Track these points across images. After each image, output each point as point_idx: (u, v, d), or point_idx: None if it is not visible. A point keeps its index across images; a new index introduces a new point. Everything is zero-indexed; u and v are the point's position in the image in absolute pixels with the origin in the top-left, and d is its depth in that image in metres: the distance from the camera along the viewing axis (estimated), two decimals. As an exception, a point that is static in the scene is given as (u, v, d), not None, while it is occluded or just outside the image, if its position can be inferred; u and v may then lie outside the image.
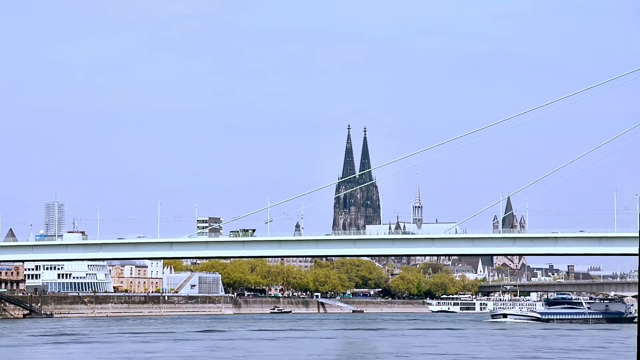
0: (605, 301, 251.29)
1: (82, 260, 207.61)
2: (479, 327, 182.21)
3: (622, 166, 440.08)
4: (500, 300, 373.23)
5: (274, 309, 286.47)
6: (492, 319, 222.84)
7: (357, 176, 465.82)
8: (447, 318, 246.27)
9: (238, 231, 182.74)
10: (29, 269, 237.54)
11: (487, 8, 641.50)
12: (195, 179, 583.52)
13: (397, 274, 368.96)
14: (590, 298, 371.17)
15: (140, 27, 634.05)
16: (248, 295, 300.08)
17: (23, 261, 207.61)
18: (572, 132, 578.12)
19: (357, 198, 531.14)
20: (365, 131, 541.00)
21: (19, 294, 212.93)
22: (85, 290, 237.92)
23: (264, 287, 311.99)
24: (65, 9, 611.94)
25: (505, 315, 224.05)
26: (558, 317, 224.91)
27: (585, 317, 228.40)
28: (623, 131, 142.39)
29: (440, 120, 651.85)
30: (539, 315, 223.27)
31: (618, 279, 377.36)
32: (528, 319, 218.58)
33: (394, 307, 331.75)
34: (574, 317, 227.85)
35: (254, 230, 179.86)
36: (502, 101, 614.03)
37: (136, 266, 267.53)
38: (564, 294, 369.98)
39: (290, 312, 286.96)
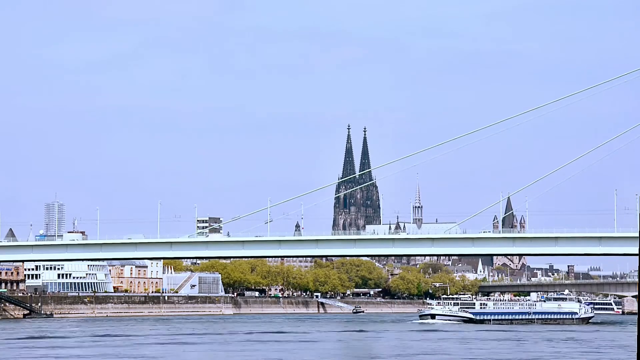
0: (558, 300, 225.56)
1: (82, 260, 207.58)
2: (397, 328, 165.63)
3: (622, 166, 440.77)
4: (500, 300, 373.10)
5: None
6: (420, 319, 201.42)
7: (357, 176, 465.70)
8: (379, 318, 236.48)
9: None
10: (29, 269, 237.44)
11: (488, 8, 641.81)
12: (195, 179, 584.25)
13: (397, 274, 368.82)
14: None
15: (140, 27, 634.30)
16: (248, 295, 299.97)
17: (23, 261, 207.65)
18: (572, 132, 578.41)
19: (357, 198, 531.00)
20: (365, 131, 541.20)
21: (19, 294, 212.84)
22: (85, 290, 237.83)
23: (264, 287, 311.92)
24: (65, 9, 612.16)
25: (433, 316, 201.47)
26: (495, 317, 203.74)
27: (530, 317, 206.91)
28: (623, 131, 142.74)
29: (440, 120, 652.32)
30: (471, 316, 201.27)
31: (618, 279, 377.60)
32: (459, 320, 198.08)
33: (393, 307, 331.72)
34: (515, 317, 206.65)
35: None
36: (502, 101, 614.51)
37: (136, 266, 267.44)
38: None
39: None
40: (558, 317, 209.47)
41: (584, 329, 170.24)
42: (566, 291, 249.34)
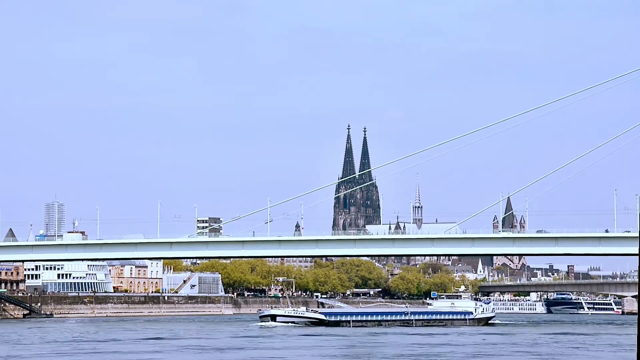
0: (450, 298, 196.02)
1: (82, 260, 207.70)
2: (230, 330, 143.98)
3: (622, 166, 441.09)
4: (500, 300, 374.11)
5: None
6: (261, 320, 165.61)
7: (357, 176, 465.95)
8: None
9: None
10: (29, 269, 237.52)
11: (488, 7, 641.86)
12: (195, 179, 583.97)
13: (397, 274, 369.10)
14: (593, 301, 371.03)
15: (140, 27, 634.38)
16: (248, 295, 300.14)
17: (23, 261, 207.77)
18: (572, 132, 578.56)
19: (357, 198, 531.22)
20: (365, 131, 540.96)
21: (19, 294, 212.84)
22: (85, 290, 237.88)
23: (263, 287, 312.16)
24: (63, 9, 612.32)
25: (273, 318, 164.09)
26: (355, 318, 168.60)
27: (406, 318, 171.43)
28: (623, 131, 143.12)
29: (440, 120, 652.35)
30: (322, 317, 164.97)
31: (618, 279, 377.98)
32: (306, 321, 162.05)
33: (393, 307, 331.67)
34: (385, 317, 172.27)
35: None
36: (502, 101, 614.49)
37: (136, 266, 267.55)
38: (564, 294, 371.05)
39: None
40: (446, 317, 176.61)
41: (460, 331, 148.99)
42: (462, 287, 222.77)
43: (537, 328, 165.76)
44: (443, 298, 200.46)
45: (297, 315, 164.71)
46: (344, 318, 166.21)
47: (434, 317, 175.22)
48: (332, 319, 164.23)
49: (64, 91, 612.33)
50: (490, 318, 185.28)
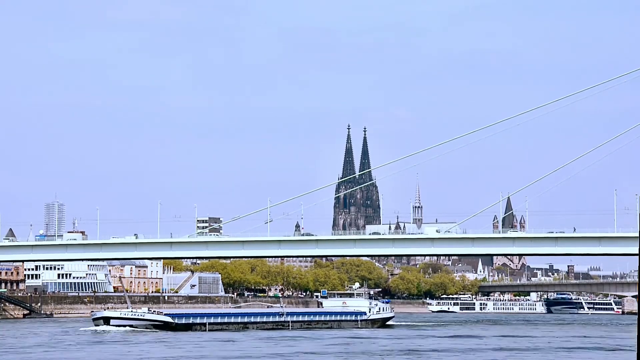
0: (342, 297, 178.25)
1: (82, 260, 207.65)
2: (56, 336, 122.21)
3: (622, 166, 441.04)
4: (500, 300, 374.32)
5: None
6: (94, 323, 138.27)
7: (357, 176, 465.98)
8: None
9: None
10: (29, 269, 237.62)
11: (487, 7, 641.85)
12: (195, 179, 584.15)
13: (397, 274, 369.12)
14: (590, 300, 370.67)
15: (141, 26, 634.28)
16: (248, 295, 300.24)
17: (23, 261, 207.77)
18: (572, 132, 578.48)
19: (357, 198, 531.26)
20: (365, 131, 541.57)
21: (19, 294, 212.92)
22: (85, 290, 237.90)
23: (264, 287, 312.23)
24: (63, 8, 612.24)
25: (107, 321, 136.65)
26: (213, 320, 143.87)
27: (280, 320, 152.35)
28: (623, 131, 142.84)
29: (440, 120, 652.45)
30: (168, 319, 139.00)
31: (618, 279, 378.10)
32: (146, 324, 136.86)
33: (393, 307, 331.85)
34: (251, 319, 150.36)
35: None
36: (502, 101, 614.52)
37: (136, 266, 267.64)
38: (564, 294, 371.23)
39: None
40: (333, 318, 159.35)
41: (333, 334, 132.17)
42: (356, 284, 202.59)
43: (436, 330, 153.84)
44: (334, 296, 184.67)
45: (136, 317, 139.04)
46: (197, 320, 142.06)
47: (317, 318, 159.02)
48: (182, 321, 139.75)
49: (64, 91, 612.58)
50: (388, 319, 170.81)
